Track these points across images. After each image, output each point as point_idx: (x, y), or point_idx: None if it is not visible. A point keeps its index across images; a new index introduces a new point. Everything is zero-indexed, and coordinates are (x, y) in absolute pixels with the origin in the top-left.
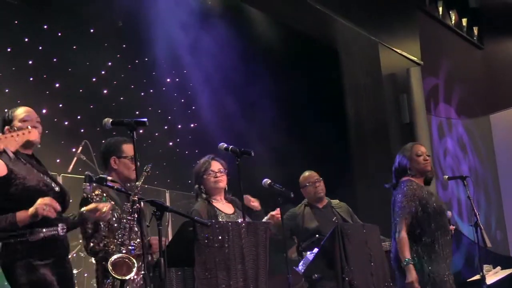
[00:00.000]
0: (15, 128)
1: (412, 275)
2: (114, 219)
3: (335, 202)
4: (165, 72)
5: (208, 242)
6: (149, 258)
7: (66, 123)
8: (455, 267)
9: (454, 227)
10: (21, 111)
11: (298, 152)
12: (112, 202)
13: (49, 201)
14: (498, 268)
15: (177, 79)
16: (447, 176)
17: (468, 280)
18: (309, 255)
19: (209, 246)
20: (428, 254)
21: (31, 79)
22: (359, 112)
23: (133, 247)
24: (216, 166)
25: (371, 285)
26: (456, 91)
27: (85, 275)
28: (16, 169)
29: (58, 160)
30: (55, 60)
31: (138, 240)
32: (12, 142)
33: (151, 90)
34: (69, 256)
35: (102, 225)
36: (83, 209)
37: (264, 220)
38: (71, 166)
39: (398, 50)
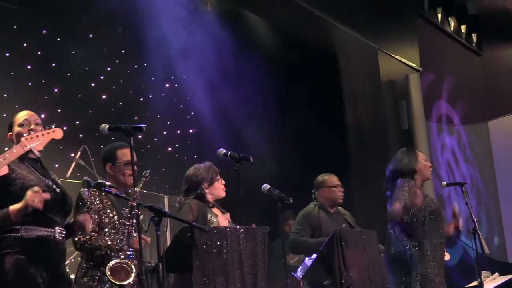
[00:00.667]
0: (16, 134)
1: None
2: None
3: (340, 209)
4: (164, 78)
5: (206, 247)
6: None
7: (64, 128)
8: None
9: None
10: (20, 116)
11: (297, 158)
12: (109, 202)
13: (36, 189)
14: (496, 274)
15: (176, 85)
16: (445, 183)
17: (466, 286)
18: (308, 261)
19: (207, 252)
20: (419, 253)
21: (29, 84)
22: (358, 118)
23: (131, 253)
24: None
25: None
26: (455, 98)
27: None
28: (18, 169)
29: (56, 165)
30: (54, 65)
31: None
32: (38, 141)
33: (150, 96)
34: (66, 262)
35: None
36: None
37: None
38: (69, 171)
39: (397, 57)
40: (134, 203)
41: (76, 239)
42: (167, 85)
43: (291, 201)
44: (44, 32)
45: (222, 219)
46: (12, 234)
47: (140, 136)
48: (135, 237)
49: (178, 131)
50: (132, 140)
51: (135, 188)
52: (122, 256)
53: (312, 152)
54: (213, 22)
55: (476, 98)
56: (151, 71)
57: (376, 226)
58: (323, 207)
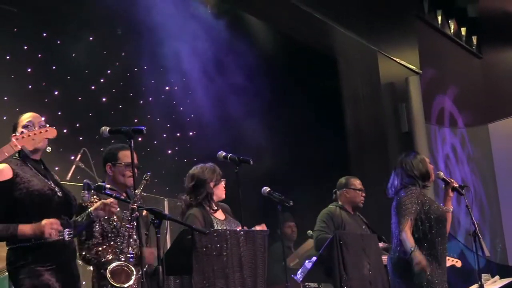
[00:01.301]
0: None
1: (420, 257)
2: (110, 226)
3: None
4: (164, 80)
5: (206, 250)
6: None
7: (65, 131)
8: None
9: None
10: (25, 117)
11: (296, 161)
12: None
13: (56, 222)
14: (497, 277)
15: (175, 87)
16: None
17: None
18: (308, 264)
19: (207, 254)
20: (427, 259)
21: (30, 86)
22: (358, 120)
23: (131, 255)
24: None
25: None
26: (455, 100)
27: (83, 283)
28: (22, 173)
29: (56, 168)
30: (54, 67)
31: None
32: (29, 141)
33: (150, 98)
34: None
35: (96, 233)
36: (90, 209)
37: None
38: (69, 174)
39: (397, 59)
40: (134, 206)
41: (83, 253)
42: (167, 88)
43: (291, 204)
44: (44, 34)
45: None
46: (22, 245)
47: (140, 139)
48: (136, 239)
49: (178, 134)
50: (132, 142)
51: (136, 191)
52: (122, 259)
53: (313, 154)
54: (213, 25)
55: (476, 101)
56: (151, 74)
57: (377, 228)
58: (344, 208)
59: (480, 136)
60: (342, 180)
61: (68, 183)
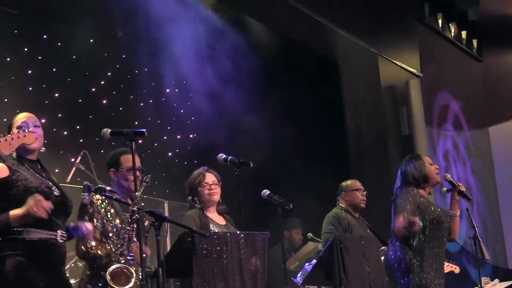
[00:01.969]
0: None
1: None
2: (110, 226)
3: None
4: (164, 83)
5: (206, 252)
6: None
7: (65, 133)
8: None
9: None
10: (19, 117)
11: (297, 164)
12: (112, 210)
13: (39, 197)
14: (496, 280)
15: (176, 90)
16: (445, 189)
17: None
18: (307, 266)
19: (207, 257)
20: (419, 261)
21: (30, 88)
22: (358, 123)
23: (131, 257)
24: (210, 178)
25: None
26: (455, 103)
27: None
28: (19, 171)
29: (57, 170)
30: (54, 70)
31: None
32: (6, 146)
33: (151, 101)
34: (66, 266)
35: (96, 233)
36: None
37: None
38: (70, 176)
39: (397, 62)
40: (134, 208)
41: (80, 247)
42: (168, 90)
43: (291, 206)
44: (44, 36)
45: (223, 227)
46: (15, 236)
47: (140, 141)
48: (136, 241)
49: (179, 136)
50: (133, 144)
51: (136, 193)
52: (122, 261)
53: (313, 157)
54: (215, 27)
55: (476, 104)
56: (151, 76)
57: (378, 230)
58: (348, 211)
59: (481, 139)
60: (342, 184)
61: (68, 185)
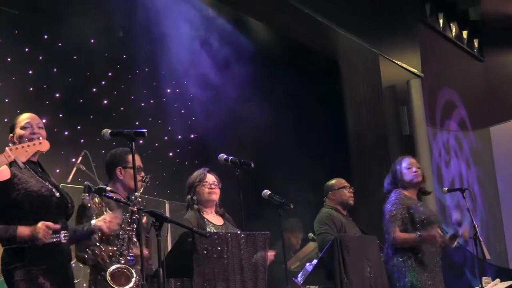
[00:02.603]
0: (18, 136)
1: (428, 234)
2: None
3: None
4: (165, 83)
5: (207, 253)
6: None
7: (66, 133)
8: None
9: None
10: (23, 118)
11: (298, 164)
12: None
13: (52, 225)
14: (497, 280)
15: (177, 90)
16: (446, 188)
17: None
18: (308, 266)
19: (208, 257)
20: (412, 262)
21: (31, 89)
22: (359, 123)
23: (131, 258)
24: (210, 178)
25: None
26: (456, 103)
27: (84, 285)
28: (19, 174)
29: (57, 170)
30: (55, 70)
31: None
32: (22, 153)
33: (152, 101)
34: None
35: (95, 235)
36: (94, 222)
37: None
38: (70, 176)
39: (398, 62)
40: (134, 208)
41: (80, 253)
42: (168, 90)
43: (292, 207)
44: (45, 37)
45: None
46: (20, 246)
47: (141, 141)
48: (136, 242)
49: (179, 136)
50: (133, 145)
51: (136, 193)
52: (122, 261)
53: (313, 157)
54: (215, 28)
55: (477, 104)
56: (152, 76)
57: (378, 232)
58: (337, 209)
59: (482, 139)
60: (326, 184)
61: (69, 185)
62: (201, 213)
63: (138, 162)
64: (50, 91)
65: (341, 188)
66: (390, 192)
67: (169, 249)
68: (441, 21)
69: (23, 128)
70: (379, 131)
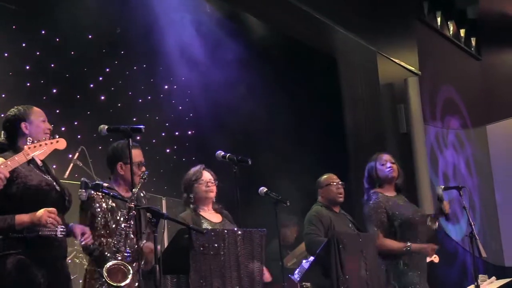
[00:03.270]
0: (36, 126)
1: (418, 246)
2: (112, 220)
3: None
4: (163, 79)
5: (203, 249)
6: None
7: (63, 129)
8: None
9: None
10: (39, 111)
11: (295, 162)
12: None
13: (54, 210)
14: (493, 278)
15: (175, 86)
16: (442, 186)
17: None
18: (305, 264)
19: (204, 254)
20: (396, 262)
21: (28, 84)
22: (357, 121)
23: (128, 254)
24: (207, 176)
25: None
26: (453, 102)
27: (80, 281)
28: (19, 168)
29: (54, 166)
30: (52, 65)
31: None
32: (40, 150)
33: (149, 97)
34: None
35: (99, 224)
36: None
37: None
38: (67, 172)
39: (396, 60)
40: (132, 205)
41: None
42: (166, 87)
43: (288, 204)
44: (43, 32)
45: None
46: (15, 235)
47: (138, 138)
48: (133, 238)
49: (177, 133)
50: (131, 141)
51: (133, 190)
52: (119, 258)
53: (311, 155)
54: (213, 24)
55: (474, 102)
56: (150, 73)
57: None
58: (328, 206)
59: (478, 138)
60: (317, 180)
61: (66, 181)
62: (198, 211)
63: (140, 157)
64: (47, 86)
65: (328, 185)
66: (368, 192)
67: (165, 246)
68: (438, 19)
69: (43, 121)
70: (376, 128)
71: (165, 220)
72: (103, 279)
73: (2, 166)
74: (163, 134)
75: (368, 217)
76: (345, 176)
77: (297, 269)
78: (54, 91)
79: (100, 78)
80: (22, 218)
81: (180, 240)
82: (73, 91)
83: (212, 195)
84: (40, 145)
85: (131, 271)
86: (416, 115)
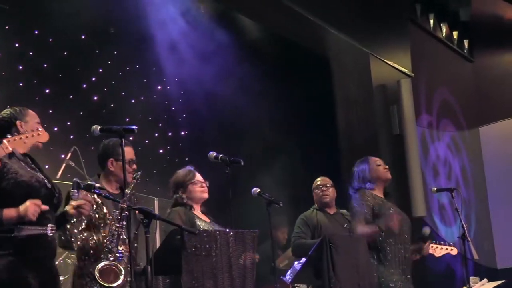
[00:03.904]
0: (30, 128)
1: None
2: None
3: (343, 211)
4: (156, 80)
5: (195, 250)
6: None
7: (55, 129)
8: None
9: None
10: (34, 113)
11: (288, 162)
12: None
13: (39, 202)
14: (485, 280)
15: (168, 87)
16: (435, 188)
17: None
18: (297, 265)
19: (196, 255)
20: (379, 259)
21: (21, 84)
22: (350, 122)
23: (120, 255)
24: (199, 177)
25: None
26: (445, 103)
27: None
28: (9, 163)
29: (46, 166)
30: (45, 65)
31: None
32: (21, 144)
33: (142, 97)
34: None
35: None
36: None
37: None
38: (59, 173)
39: (389, 62)
40: (124, 205)
41: (64, 236)
42: (159, 87)
43: (281, 205)
44: (36, 32)
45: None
46: (5, 235)
47: (131, 138)
48: (125, 238)
49: (170, 133)
50: (123, 142)
51: (126, 190)
52: (111, 258)
53: (304, 156)
54: (206, 25)
55: (467, 104)
56: (143, 73)
57: None
58: (321, 209)
59: (471, 140)
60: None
61: (58, 181)
62: (191, 209)
63: (131, 154)
64: (40, 86)
65: (314, 188)
66: (356, 192)
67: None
68: (431, 21)
69: (37, 123)
70: (369, 130)
71: (157, 221)
72: (93, 281)
73: None
74: (156, 134)
75: (353, 210)
76: (338, 177)
77: (289, 271)
78: (47, 91)
79: (93, 79)
80: (9, 212)
81: (172, 240)
82: (66, 91)
83: (206, 195)
84: (21, 138)
85: (123, 272)
86: (408, 116)
